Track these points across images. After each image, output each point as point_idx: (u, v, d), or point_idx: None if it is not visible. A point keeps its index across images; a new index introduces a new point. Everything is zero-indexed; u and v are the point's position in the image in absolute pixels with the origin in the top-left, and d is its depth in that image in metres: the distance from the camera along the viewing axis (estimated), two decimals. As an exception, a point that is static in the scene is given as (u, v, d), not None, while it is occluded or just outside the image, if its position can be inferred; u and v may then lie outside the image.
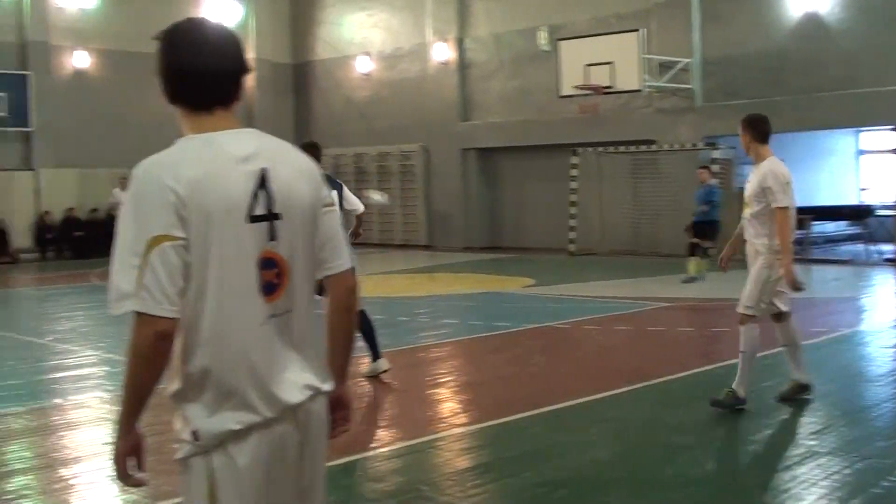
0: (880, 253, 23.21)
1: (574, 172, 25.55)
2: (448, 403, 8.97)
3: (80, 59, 29.95)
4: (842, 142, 28.95)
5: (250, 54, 33.42)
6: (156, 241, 2.69)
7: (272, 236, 2.87)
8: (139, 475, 2.94)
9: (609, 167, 25.74)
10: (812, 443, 7.09)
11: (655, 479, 6.37)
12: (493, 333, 12.96)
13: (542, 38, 26.65)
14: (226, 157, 2.84)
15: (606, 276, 20.18)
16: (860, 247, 24.60)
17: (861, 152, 30.10)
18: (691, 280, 18.11)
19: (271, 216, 2.86)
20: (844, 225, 27.39)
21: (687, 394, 9.21)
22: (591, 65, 23.32)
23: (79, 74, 30.03)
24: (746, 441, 7.23)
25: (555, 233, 26.13)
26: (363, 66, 32.26)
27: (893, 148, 23.28)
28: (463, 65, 29.43)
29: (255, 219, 2.83)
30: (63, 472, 6.80)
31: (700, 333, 13.01)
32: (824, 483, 6.12)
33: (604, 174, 25.72)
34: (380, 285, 19.07)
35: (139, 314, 2.68)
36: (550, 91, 25.20)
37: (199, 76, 2.90)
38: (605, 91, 23.27)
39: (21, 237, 28.10)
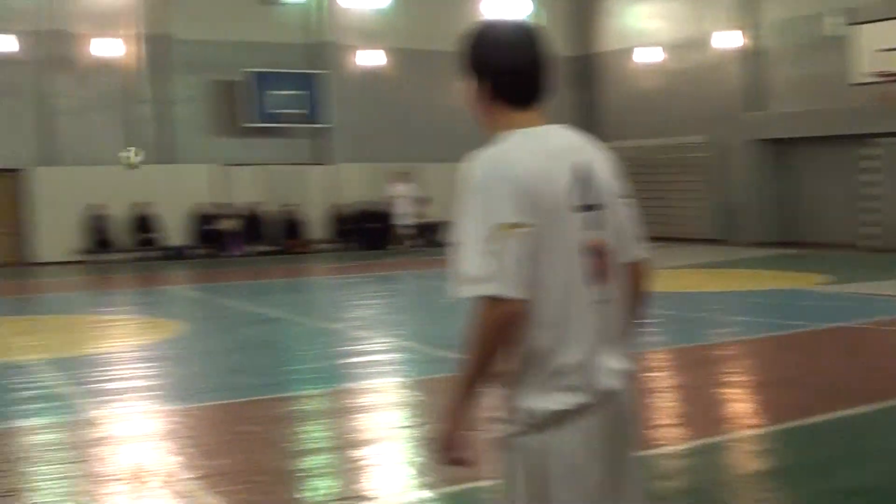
0: None
1: (872, 164, 24.28)
2: (738, 403, 8.72)
3: (373, 58, 31.05)
4: None
5: (537, 49, 33.67)
6: (506, 227, 2.81)
7: (597, 225, 2.96)
8: (464, 456, 2.99)
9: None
10: None
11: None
12: (787, 332, 12.48)
13: (832, 23, 25.45)
14: (551, 150, 2.96)
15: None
16: None
17: None
18: None
19: (596, 206, 2.96)
20: None
21: None
22: (891, 50, 22.08)
23: (371, 73, 31.15)
24: None
25: (849, 227, 24.93)
26: (649, 56, 31.87)
27: None
28: (750, 52, 28.56)
29: (581, 209, 2.93)
30: (355, 453, 7.05)
31: None
32: None
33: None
34: (667, 280, 18.77)
35: (490, 298, 2.78)
36: (842, 78, 24.06)
37: (519, 73, 3.02)
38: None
39: (316, 228, 29.48)
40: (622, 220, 3.08)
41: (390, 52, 31.38)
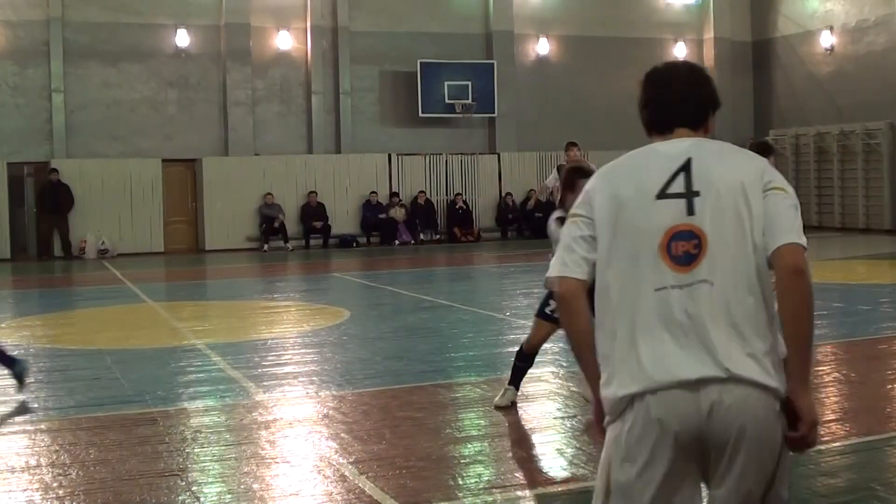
0: None
1: None
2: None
3: (541, 47, 30.97)
4: None
5: (709, 34, 33.08)
6: (572, 216, 3.23)
7: (690, 211, 3.05)
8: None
9: None
10: None
11: None
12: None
13: None
14: (654, 154, 3.22)
15: None
16: None
17: None
18: None
19: (689, 194, 3.06)
20: None
21: None
22: None
23: (540, 61, 31.11)
24: None
25: None
26: (826, 40, 30.86)
27: None
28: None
29: (666, 196, 3.08)
30: (514, 441, 7.06)
31: None
32: None
33: None
34: (840, 271, 18.21)
35: (557, 277, 3.20)
36: None
37: (652, 106, 3.34)
38: None
39: (484, 217, 29.61)
40: (762, 211, 3.04)
41: (562, 39, 31.28)
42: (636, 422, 2.97)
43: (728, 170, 3.12)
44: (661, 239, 3.03)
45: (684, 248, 3.02)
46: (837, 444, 6.81)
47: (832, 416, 7.70)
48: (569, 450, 6.85)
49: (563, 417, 7.82)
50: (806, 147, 31.09)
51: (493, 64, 29.65)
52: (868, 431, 7.13)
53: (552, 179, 15.81)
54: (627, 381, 2.98)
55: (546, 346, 11.07)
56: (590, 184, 3.25)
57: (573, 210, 3.22)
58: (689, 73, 3.40)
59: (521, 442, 7.08)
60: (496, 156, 30.00)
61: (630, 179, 3.16)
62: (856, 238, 26.69)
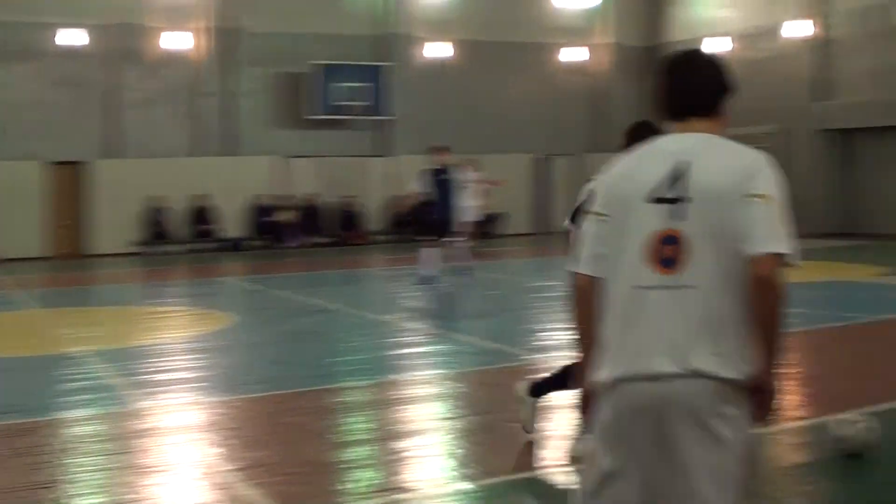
0: None
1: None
2: (787, 395, 8.54)
3: (439, 50, 31.02)
4: None
5: (607, 39, 33.48)
6: (589, 215, 3.46)
7: (677, 217, 3.20)
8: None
9: None
10: None
11: None
12: (843, 324, 12.29)
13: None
14: (656, 152, 3.39)
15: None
16: None
17: None
18: None
19: (679, 199, 3.22)
20: None
21: None
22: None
23: (437, 65, 31.14)
24: None
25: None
26: (718, 46, 31.46)
27: None
28: (822, 42, 28.11)
29: (659, 200, 3.24)
30: (397, 445, 7.01)
31: None
32: None
33: None
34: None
35: (572, 272, 3.49)
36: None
37: (668, 92, 3.52)
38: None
39: (375, 220, 29.54)
40: (739, 217, 3.15)
41: (457, 43, 31.35)
42: (611, 409, 3.20)
43: (722, 175, 3.24)
44: (649, 241, 3.20)
45: (670, 252, 3.18)
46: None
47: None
48: (456, 451, 6.83)
49: (450, 419, 7.79)
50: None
51: (389, 66, 29.58)
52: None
53: (419, 184, 15.84)
54: (608, 370, 3.21)
55: (436, 348, 11.12)
56: (597, 181, 3.56)
57: (594, 207, 3.43)
58: (704, 61, 3.59)
59: (407, 445, 7.02)
60: (389, 158, 29.91)
61: (630, 179, 3.34)
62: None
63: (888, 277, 17.10)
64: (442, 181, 16.00)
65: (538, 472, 6.22)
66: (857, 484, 5.94)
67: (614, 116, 33.58)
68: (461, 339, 11.70)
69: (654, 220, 3.22)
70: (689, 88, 3.49)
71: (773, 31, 29.47)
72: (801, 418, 7.58)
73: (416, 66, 30.73)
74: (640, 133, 7.10)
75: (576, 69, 33.59)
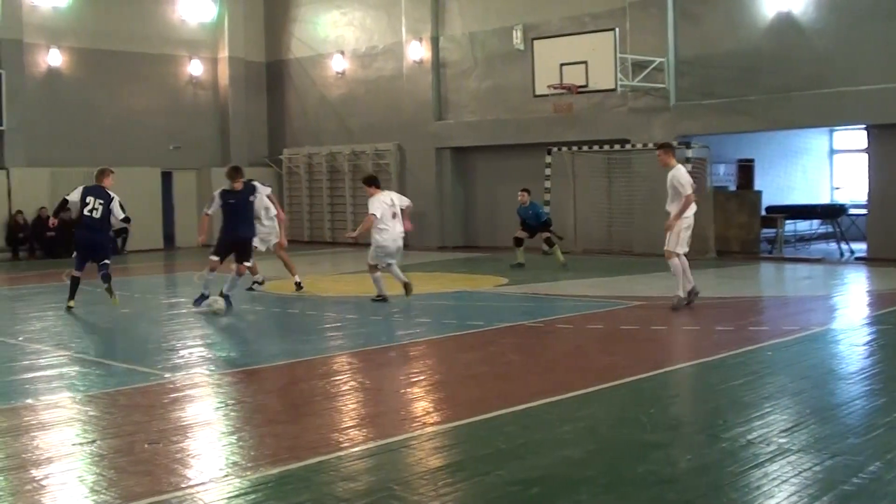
0: (852, 251, 23.36)
1: (548, 172, 25.56)
2: (420, 402, 8.93)
3: (53, 58, 29.78)
4: (815, 141, 29.09)
5: (223, 53, 33.38)
6: None
7: None
8: None
9: (583, 166, 25.81)
10: (783, 440, 7.11)
11: (628, 477, 6.36)
12: (466, 332, 12.94)
13: (517, 37, 26.71)
14: None
15: (580, 275, 20.20)
16: (832, 245, 24.73)
17: (834, 151, 30.26)
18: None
19: None
20: (817, 223, 27.55)
21: (659, 392, 9.23)
22: (566, 64, 23.30)
23: (51, 73, 29.90)
24: (718, 439, 7.23)
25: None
26: (338, 64, 32.21)
27: (865, 147, 23.43)
28: (438, 64, 29.44)
29: None
30: (34, 472, 6.71)
31: (672, 332, 13.02)
32: (795, 480, 6.13)
33: (578, 173, 25.79)
34: (353, 285, 19.03)
35: None
36: (525, 90, 25.23)
37: None
38: (579, 90, 23.26)
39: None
40: None
41: (74, 51, 30.24)
42: None
43: None
44: None
45: None
46: (356, 449, 7.12)
47: (350, 423, 8.05)
48: (89, 477, 6.63)
49: (81, 444, 7.54)
50: (319, 166, 32.27)
51: (1, 73, 28.00)
52: (385, 435, 7.52)
53: (214, 206, 15.26)
54: None
55: (61, 370, 10.69)
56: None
57: None
58: None
59: (40, 473, 6.74)
60: (4, 171, 28.35)
61: None
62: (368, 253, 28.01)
63: (503, 287, 18.19)
64: (231, 203, 15.34)
65: (178, 494, 6.15)
66: (488, 483, 6.30)
67: (236, 131, 33.61)
68: (91, 360, 11.33)
69: None
70: None
71: (392, 51, 30.55)
72: (434, 423, 7.93)
73: (32, 74, 29.37)
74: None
75: (199, 83, 33.31)
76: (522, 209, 22.29)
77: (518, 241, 22.17)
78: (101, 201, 15.56)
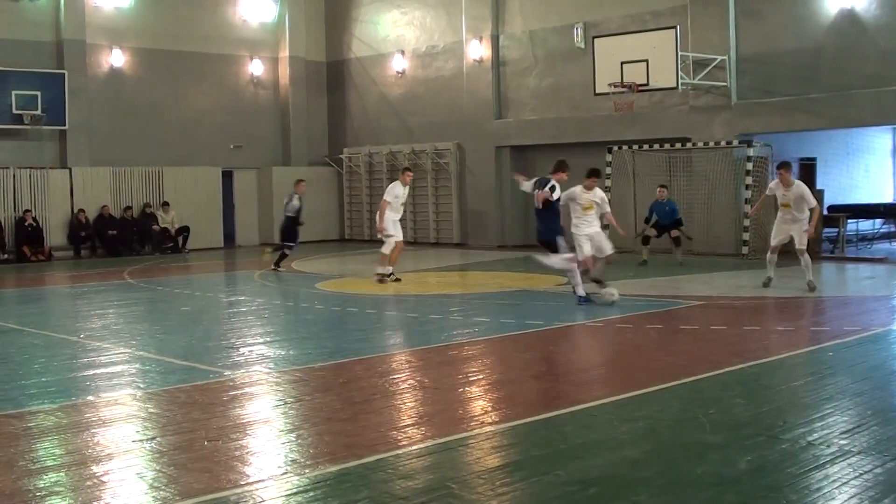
0: (917, 251, 23.02)
1: (609, 170, 25.43)
2: (479, 401, 8.93)
3: (115, 58, 30.16)
4: (878, 139, 28.68)
5: (284, 53, 33.59)
6: None
7: None
8: None
9: (643, 165, 25.62)
10: (844, 442, 7.02)
11: (686, 478, 6.32)
12: (525, 332, 12.91)
13: (578, 35, 26.61)
14: None
15: (640, 275, 20.06)
16: (895, 245, 24.39)
17: (898, 150, 29.84)
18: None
19: None
20: (879, 223, 27.17)
21: (718, 393, 9.14)
22: (627, 62, 23.18)
23: (113, 73, 30.28)
24: (778, 440, 7.15)
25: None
26: (398, 63, 32.29)
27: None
28: (497, 62, 29.40)
29: None
30: (95, 468, 6.81)
31: (732, 332, 12.89)
32: (856, 482, 6.05)
33: (638, 172, 25.61)
34: (413, 283, 19.06)
35: None
36: (585, 88, 25.14)
37: None
38: (640, 89, 23.14)
39: (55, 235, 28.34)
40: None
41: (136, 52, 30.62)
42: None
43: None
44: None
45: None
46: (414, 447, 7.14)
47: (408, 421, 8.06)
48: (149, 473, 6.71)
49: (141, 440, 7.63)
50: (379, 165, 32.37)
51: (70, 74, 28.43)
52: (443, 433, 7.53)
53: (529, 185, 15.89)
54: None
55: (121, 367, 10.83)
56: None
57: None
58: None
59: (101, 469, 6.83)
60: (67, 170, 28.78)
61: None
62: (427, 251, 28.11)
63: (563, 287, 18.09)
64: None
65: (237, 491, 6.21)
66: (546, 483, 6.29)
67: (297, 130, 33.81)
68: (151, 358, 11.46)
69: None
70: None
71: (452, 50, 30.56)
72: (493, 423, 7.93)
73: (95, 74, 29.77)
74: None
75: (260, 82, 33.56)
76: (658, 205, 22.33)
77: (646, 240, 22.42)
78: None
